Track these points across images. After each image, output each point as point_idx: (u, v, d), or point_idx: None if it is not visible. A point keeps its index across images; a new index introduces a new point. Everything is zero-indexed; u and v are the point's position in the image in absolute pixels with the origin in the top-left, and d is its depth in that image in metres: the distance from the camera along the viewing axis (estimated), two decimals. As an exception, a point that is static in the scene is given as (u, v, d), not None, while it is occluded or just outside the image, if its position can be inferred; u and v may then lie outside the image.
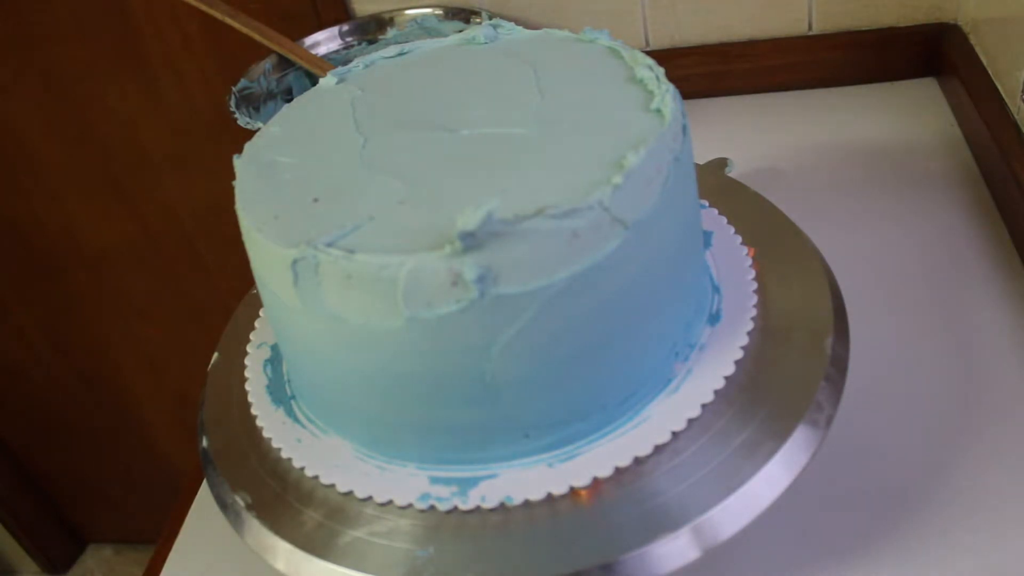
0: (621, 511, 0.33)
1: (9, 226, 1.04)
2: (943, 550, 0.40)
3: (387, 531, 0.35)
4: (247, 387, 0.42)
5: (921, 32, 0.70)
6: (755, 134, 0.69)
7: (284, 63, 0.71)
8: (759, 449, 0.34)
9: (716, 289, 0.41)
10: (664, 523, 0.32)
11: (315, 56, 0.71)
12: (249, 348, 0.44)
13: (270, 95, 0.70)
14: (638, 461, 0.35)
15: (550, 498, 0.34)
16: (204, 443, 0.41)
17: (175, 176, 0.96)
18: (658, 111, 0.35)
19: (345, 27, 0.75)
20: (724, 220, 0.45)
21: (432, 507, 0.35)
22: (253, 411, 0.41)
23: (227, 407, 0.42)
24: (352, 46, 0.75)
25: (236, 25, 0.68)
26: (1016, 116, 0.58)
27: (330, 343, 0.34)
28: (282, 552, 0.35)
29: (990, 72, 0.62)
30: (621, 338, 0.34)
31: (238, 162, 0.39)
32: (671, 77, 0.37)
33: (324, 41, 0.74)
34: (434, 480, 0.36)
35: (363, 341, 0.33)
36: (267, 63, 0.70)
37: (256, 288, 0.40)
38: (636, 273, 0.33)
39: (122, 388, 1.20)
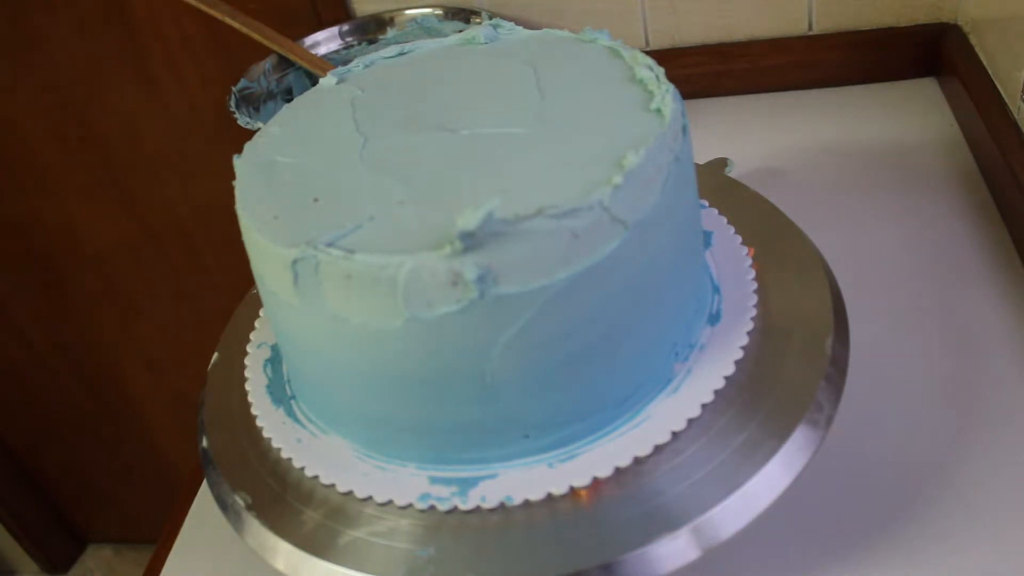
0: (621, 511, 0.33)
1: (9, 226, 1.04)
2: (943, 550, 0.40)
3: (387, 531, 0.34)
4: (247, 387, 0.42)
5: (921, 32, 0.70)
6: (755, 134, 0.69)
7: (284, 63, 0.71)
8: (759, 449, 0.34)
9: (716, 289, 0.41)
10: (664, 523, 0.32)
11: (315, 56, 0.71)
12: (249, 348, 0.44)
13: (270, 95, 0.70)
14: (638, 461, 0.35)
15: (550, 498, 0.34)
16: (204, 443, 0.41)
17: (175, 176, 0.96)
18: (658, 111, 0.35)
19: (345, 27, 0.75)
20: (724, 220, 0.45)
21: (432, 507, 0.35)
22: (253, 411, 0.41)
23: (227, 407, 0.42)
24: (352, 46, 0.75)
25: (236, 25, 0.68)
26: (1016, 116, 0.57)
27: (330, 343, 0.34)
28: (282, 552, 0.35)
29: (990, 72, 0.62)
30: (621, 338, 0.34)
31: (238, 162, 0.39)
32: (671, 77, 0.37)
33: (324, 41, 0.74)
34: (434, 480, 0.36)
35: (363, 341, 0.33)
36: (267, 63, 0.70)
37: (256, 288, 0.40)
38: (636, 273, 0.33)
39: (122, 388, 1.20)
